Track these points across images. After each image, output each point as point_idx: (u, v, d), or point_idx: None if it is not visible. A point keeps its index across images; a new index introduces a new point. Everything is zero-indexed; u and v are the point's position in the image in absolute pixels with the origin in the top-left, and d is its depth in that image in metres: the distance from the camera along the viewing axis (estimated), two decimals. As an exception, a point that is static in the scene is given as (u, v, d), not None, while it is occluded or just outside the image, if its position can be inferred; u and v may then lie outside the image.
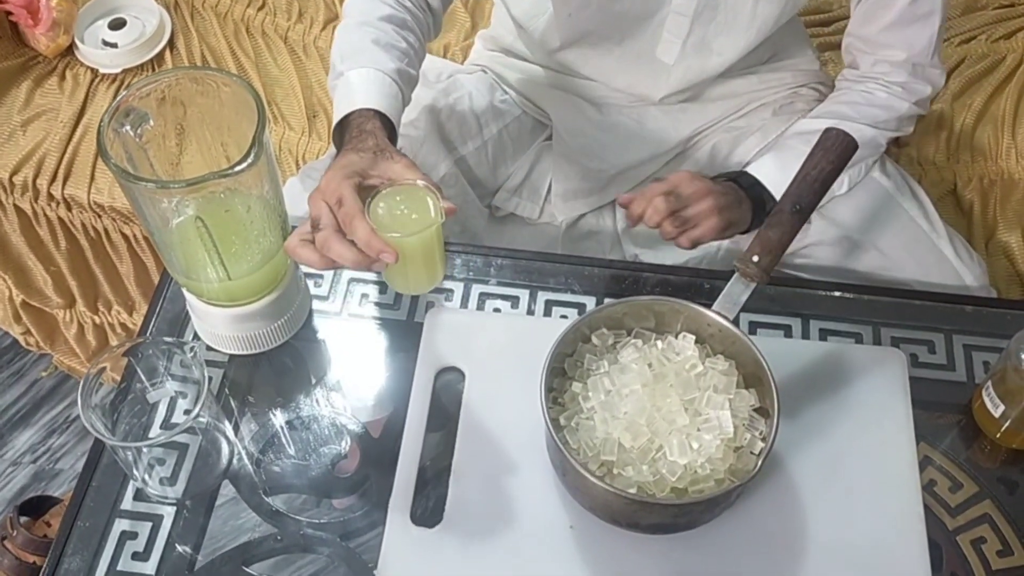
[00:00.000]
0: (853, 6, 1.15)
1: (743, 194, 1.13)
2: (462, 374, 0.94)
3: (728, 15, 1.12)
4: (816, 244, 1.18)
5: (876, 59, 1.16)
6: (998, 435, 0.92)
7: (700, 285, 1.02)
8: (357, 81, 0.98)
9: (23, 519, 1.48)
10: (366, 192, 0.86)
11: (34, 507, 1.52)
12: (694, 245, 1.08)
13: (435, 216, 0.83)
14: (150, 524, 0.86)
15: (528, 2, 1.23)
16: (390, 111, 0.96)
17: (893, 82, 1.16)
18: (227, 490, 0.90)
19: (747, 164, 1.18)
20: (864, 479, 0.88)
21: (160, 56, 1.57)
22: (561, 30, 1.19)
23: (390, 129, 0.96)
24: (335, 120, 0.97)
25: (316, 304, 1.01)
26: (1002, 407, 0.90)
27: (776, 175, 1.08)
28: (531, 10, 1.23)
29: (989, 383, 0.92)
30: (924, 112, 1.20)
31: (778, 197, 1.02)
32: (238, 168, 0.76)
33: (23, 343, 1.83)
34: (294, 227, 1.02)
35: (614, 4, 1.12)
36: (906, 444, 0.91)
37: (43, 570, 0.84)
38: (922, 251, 1.16)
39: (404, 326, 1.00)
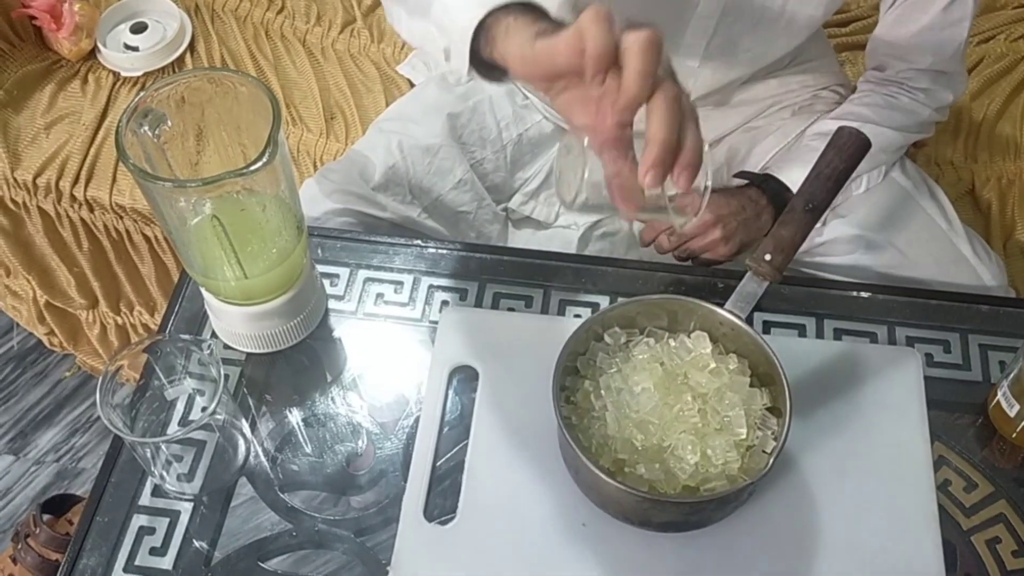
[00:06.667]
0: (884, 9, 1.15)
1: (764, 203, 1.13)
2: (476, 373, 0.95)
3: (755, 15, 1.11)
4: (833, 242, 1.18)
5: (902, 64, 1.16)
6: (1014, 435, 0.92)
7: (714, 284, 1.02)
8: None
9: (46, 517, 1.51)
10: None
11: (57, 505, 1.54)
12: (709, 266, 1.10)
13: None
14: (168, 520, 0.87)
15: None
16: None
17: (917, 88, 1.16)
18: (243, 487, 0.90)
19: (770, 167, 1.18)
20: (878, 479, 0.88)
21: (181, 59, 1.59)
22: None
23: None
24: (476, 13, 0.75)
25: (332, 303, 1.02)
26: (1018, 407, 0.90)
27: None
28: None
29: (1005, 383, 0.91)
30: (944, 119, 1.21)
31: None
32: (253, 167, 0.77)
33: (47, 343, 1.85)
34: (310, 228, 1.03)
35: (638, 15, 1.12)
36: (921, 444, 0.90)
37: (63, 564, 0.85)
38: (940, 250, 1.16)
39: (419, 325, 1.01)
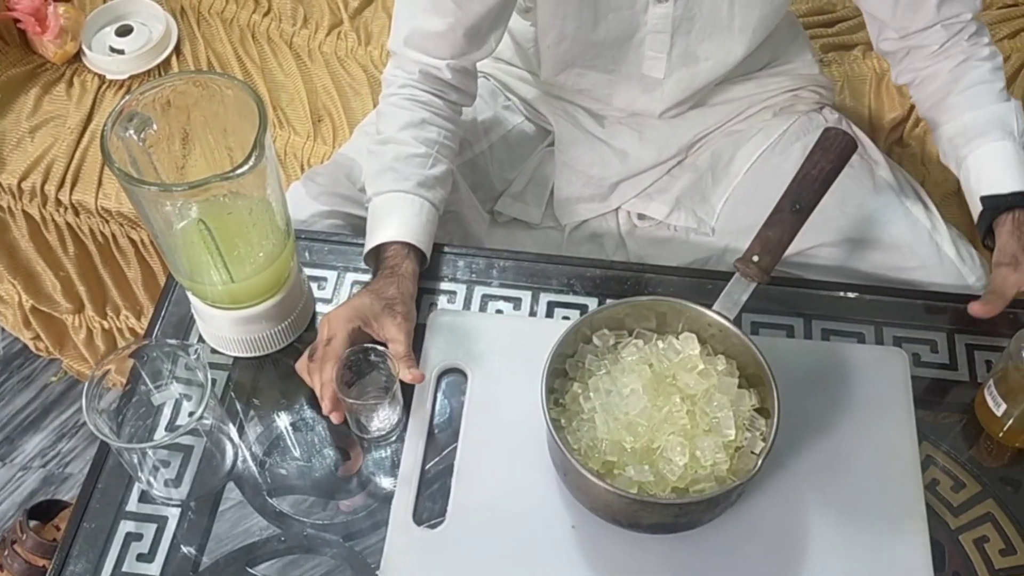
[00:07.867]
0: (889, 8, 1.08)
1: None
2: (464, 375, 0.95)
3: (707, 22, 1.12)
4: (820, 244, 1.18)
5: (945, 31, 1.08)
6: (1000, 434, 0.92)
7: (702, 286, 1.02)
8: (384, 207, 1.01)
9: (32, 523, 1.50)
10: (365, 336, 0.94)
11: (43, 511, 1.53)
12: None
13: (387, 392, 0.91)
14: (155, 526, 0.87)
15: (525, 24, 1.23)
16: (418, 235, 1.00)
17: (980, 50, 1.09)
18: (231, 492, 0.90)
19: (985, 183, 1.05)
20: (866, 479, 0.88)
21: (167, 62, 1.58)
22: (547, 61, 1.20)
23: (421, 256, 1.01)
24: (368, 245, 1.00)
25: (320, 307, 1.02)
26: (1004, 406, 0.90)
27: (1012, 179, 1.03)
28: (528, 32, 1.24)
29: (991, 382, 0.92)
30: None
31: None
32: (239, 171, 0.77)
33: (33, 348, 1.84)
34: (297, 231, 1.03)
35: (589, 34, 1.13)
36: (908, 443, 0.91)
37: (50, 570, 0.84)
38: (925, 251, 1.16)
39: (407, 328, 1.00)
